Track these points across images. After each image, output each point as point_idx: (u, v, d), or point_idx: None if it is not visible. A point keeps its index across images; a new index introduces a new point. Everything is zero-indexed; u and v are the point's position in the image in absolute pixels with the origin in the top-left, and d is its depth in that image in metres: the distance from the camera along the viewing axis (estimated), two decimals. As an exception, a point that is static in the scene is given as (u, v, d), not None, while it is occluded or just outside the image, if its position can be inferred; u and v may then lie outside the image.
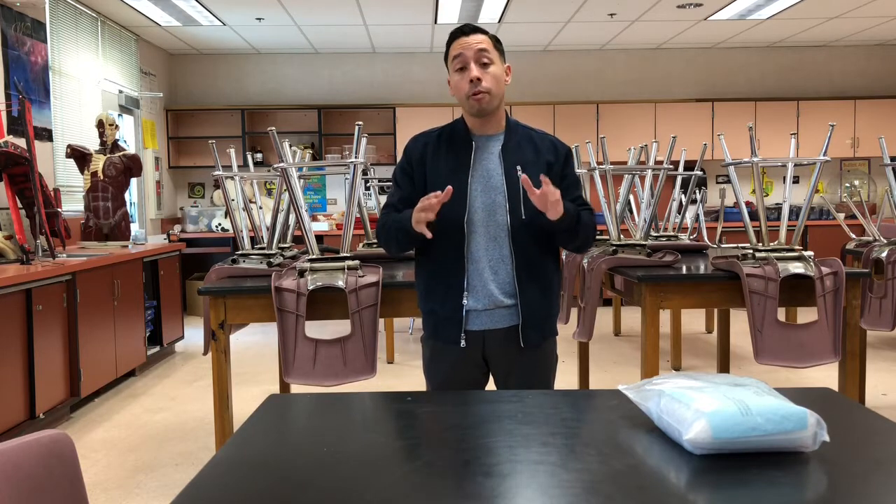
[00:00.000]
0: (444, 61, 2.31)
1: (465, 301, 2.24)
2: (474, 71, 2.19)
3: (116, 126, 6.15)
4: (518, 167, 2.21)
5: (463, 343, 2.26)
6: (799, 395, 1.47)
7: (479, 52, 2.20)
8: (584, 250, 2.43)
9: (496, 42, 2.26)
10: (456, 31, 2.26)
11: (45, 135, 5.80)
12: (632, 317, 6.40)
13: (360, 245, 4.60)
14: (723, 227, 5.63)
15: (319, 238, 7.40)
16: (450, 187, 2.10)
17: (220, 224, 8.45)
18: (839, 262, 3.29)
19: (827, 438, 1.31)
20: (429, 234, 2.13)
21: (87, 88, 6.65)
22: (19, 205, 4.83)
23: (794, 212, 6.95)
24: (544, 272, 2.30)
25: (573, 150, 2.40)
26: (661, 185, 4.22)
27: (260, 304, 3.09)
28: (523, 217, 2.21)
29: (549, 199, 2.08)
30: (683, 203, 4.83)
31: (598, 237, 4.53)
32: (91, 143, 6.12)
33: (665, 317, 6.01)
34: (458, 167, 2.25)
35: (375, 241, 4.48)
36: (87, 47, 6.69)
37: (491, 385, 2.40)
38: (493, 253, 2.24)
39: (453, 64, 2.24)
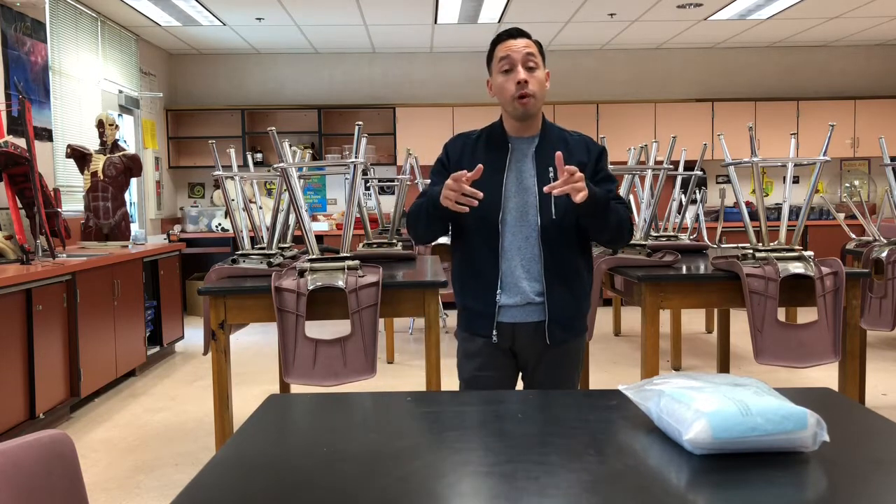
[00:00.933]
0: (486, 64, 2.35)
1: (498, 298, 2.31)
2: (522, 73, 2.23)
3: (116, 126, 6.15)
4: (550, 169, 2.25)
5: (495, 338, 2.33)
6: (799, 395, 1.47)
7: (527, 55, 2.24)
8: (618, 245, 2.46)
9: (540, 47, 2.31)
10: (503, 33, 2.30)
11: (45, 135, 5.80)
12: (632, 317, 6.40)
13: (360, 245, 4.60)
14: (723, 227, 5.63)
15: (319, 238, 7.40)
16: (480, 166, 2.13)
17: (220, 224, 8.45)
18: (839, 262, 3.29)
19: (827, 438, 1.31)
20: (464, 209, 2.13)
21: (87, 88, 6.65)
22: (19, 205, 4.83)
23: (794, 212, 6.95)
24: (574, 272, 2.34)
25: (606, 149, 2.42)
26: (661, 185, 4.21)
27: (260, 304, 3.09)
28: (554, 217, 2.26)
29: (571, 181, 2.07)
30: (683, 203, 4.83)
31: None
32: (91, 143, 6.12)
33: (665, 317, 6.01)
34: (494, 168, 2.28)
35: (375, 241, 4.48)
36: (87, 47, 6.69)
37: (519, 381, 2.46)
38: (525, 252, 2.29)
39: (499, 65, 2.27)
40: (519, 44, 2.25)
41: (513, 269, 2.29)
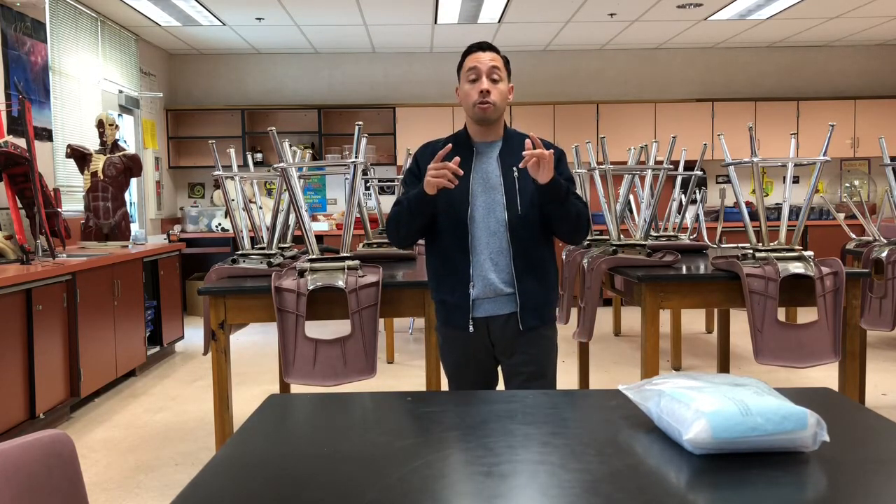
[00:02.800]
0: (456, 71, 2.52)
1: (471, 290, 2.46)
2: (485, 84, 2.42)
3: (116, 126, 6.15)
4: (514, 169, 2.43)
5: (471, 328, 2.48)
6: (799, 395, 1.47)
7: (492, 68, 2.44)
8: (578, 239, 2.63)
9: (506, 63, 2.50)
10: (474, 46, 2.50)
11: (45, 135, 5.80)
12: (632, 317, 6.40)
13: (360, 245, 4.60)
14: (723, 227, 5.63)
15: (319, 238, 7.40)
16: (457, 157, 2.32)
17: (220, 224, 8.45)
18: (839, 262, 3.29)
19: (827, 438, 1.31)
20: (450, 185, 2.30)
21: (87, 88, 6.65)
22: (19, 205, 4.83)
23: (794, 212, 6.94)
24: (541, 263, 2.51)
25: (565, 151, 2.57)
26: (661, 185, 4.21)
27: (260, 304, 3.09)
28: (520, 212, 2.43)
29: (540, 159, 2.26)
30: (683, 203, 4.83)
31: (597, 237, 4.54)
32: (91, 143, 6.12)
33: (665, 317, 6.01)
34: (460, 170, 2.41)
35: (375, 241, 4.48)
36: (87, 47, 6.69)
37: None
38: (493, 246, 2.45)
39: (467, 74, 2.46)
40: (486, 57, 2.44)
41: (482, 263, 2.45)
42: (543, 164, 2.28)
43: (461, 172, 2.31)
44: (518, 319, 2.46)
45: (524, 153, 2.27)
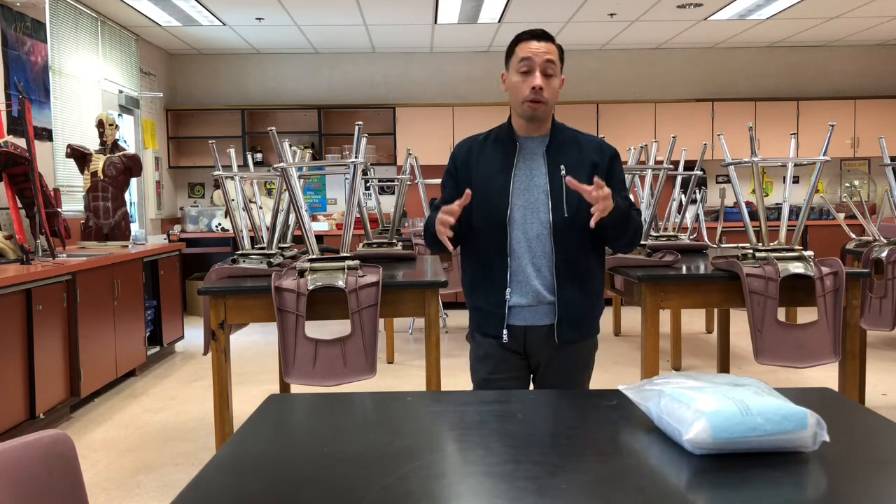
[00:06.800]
0: (505, 57, 2.32)
1: (507, 297, 2.29)
2: (538, 80, 2.22)
3: (116, 126, 6.15)
4: (562, 167, 2.25)
5: (505, 338, 2.31)
6: (799, 395, 1.47)
7: (547, 62, 2.23)
8: (631, 250, 2.45)
9: (561, 54, 2.30)
10: (528, 33, 2.28)
11: (45, 135, 5.80)
12: (632, 317, 6.40)
13: (360, 245, 4.60)
14: (723, 227, 5.63)
15: (319, 238, 7.40)
16: (468, 191, 2.16)
17: (220, 224, 8.45)
18: (839, 262, 3.29)
19: (827, 438, 1.31)
20: (450, 247, 2.18)
21: (87, 88, 6.65)
22: (19, 205, 4.83)
23: (794, 212, 6.95)
24: (586, 271, 2.33)
25: (618, 153, 2.41)
26: (661, 185, 4.21)
27: (260, 304, 3.09)
28: (566, 215, 2.24)
29: (598, 197, 2.09)
30: (683, 203, 4.83)
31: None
32: (91, 143, 6.12)
33: (665, 317, 6.01)
34: (501, 166, 2.30)
35: (375, 241, 4.48)
36: (87, 47, 6.69)
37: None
38: (536, 249, 2.28)
39: (518, 65, 2.25)
40: (541, 48, 2.24)
41: (522, 267, 2.28)
42: (602, 205, 2.08)
43: (452, 221, 2.14)
44: (556, 331, 2.29)
45: (590, 195, 2.08)
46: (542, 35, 2.27)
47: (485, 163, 2.33)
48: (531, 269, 2.28)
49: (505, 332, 2.30)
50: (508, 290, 2.28)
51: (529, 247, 2.27)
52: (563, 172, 2.23)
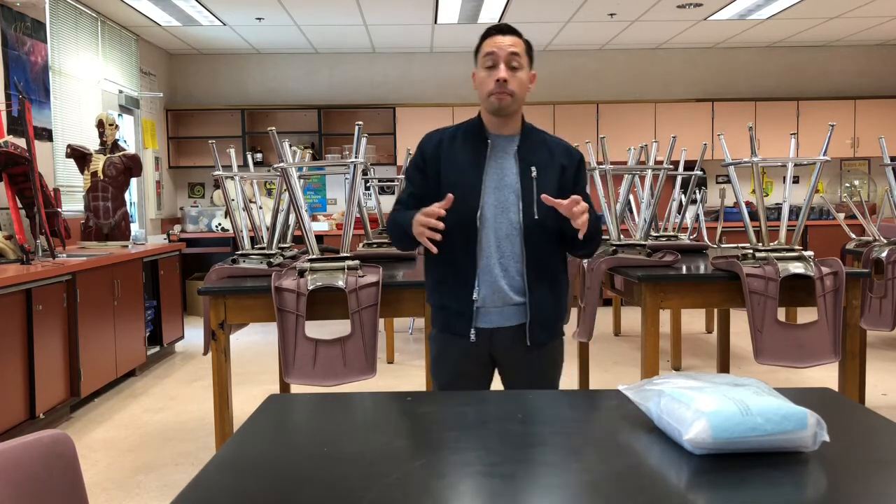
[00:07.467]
0: (473, 54, 2.32)
1: (475, 296, 2.25)
2: (502, 72, 2.21)
3: (116, 126, 6.15)
4: (533, 168, 2.25)
5: (472, 337, 2.27)
6: (799, 395, 1.47)
7: (511, 55, 2.22)
8: (590, 257, 2.44)
9: (528, 48, 2.29)
10: (493, 28, 2.29)
11: (45, 135, 5.79)
12: (632, 317, 6.40)
13: (360, 245, 4.60)
14: (723, 227, 5.63)
15: (319, 238, 7.40)
16: (450, 195, 2.13)
17: (220, 224, 8.45)
18: (839, 262, 3.29)
19: (827, 438, 1.31)
20: (434, 249, 2.16)
21: (87, 88, 6.65)
22: (19, 205, 4.83)
23: (794, 212, 6.95)
24: (554, 272, 2.32)
25: (584, 157, 2.42)
26: (661, 185, 4.21)
27: (260, 304, 3.09)
28: (536, 217, 2.23)
29: (577, 213, 2.10)
30: (683, 203, 4.83)
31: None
32: (91, 143, 6.12)
33: (665, 317, 6.01)
34: (472, 163, 2.27)
35: (375, 241, 4.48)
36: (87, 47, 6.69)
37: (496, 381, 2.40)
38: (505, 250, 2.25)
39: (483, 60, 2.26)
40: (505, 41, 2.23)
41: (490, 267, 2.25)
42: (584, 219, 2.10)
43: (441, 226, 2.10)
44: (527, 333, 2.26)
45: (569, 211, 2.10)
46: (507, 29, 2.27)
47: (455, 158, 2.29)
48: (498, 270, 2.25)
49: (472, 331, 2.27)
50: (476, 288, 2.25)
51: (499, 246, 2.25)
52: (534, 174, 2.23)
